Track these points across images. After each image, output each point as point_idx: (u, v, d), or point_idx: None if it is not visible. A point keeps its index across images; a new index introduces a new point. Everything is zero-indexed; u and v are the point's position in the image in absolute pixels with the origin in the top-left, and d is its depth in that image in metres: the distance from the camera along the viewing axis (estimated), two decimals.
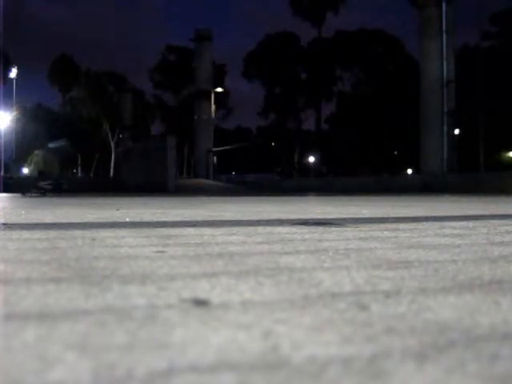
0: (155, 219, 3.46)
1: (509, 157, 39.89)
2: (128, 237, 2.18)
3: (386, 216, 3.79)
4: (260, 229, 2.63)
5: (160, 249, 1.77)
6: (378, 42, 47.10)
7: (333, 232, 2.46)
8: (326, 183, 25.60)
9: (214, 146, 34.78)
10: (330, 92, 50.24)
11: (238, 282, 1.17)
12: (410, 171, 40.31)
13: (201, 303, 0.96)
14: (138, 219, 3.42)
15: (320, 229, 2.61)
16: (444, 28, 21.60)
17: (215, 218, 3.67)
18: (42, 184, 15.94)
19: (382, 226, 2.82)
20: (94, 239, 2.07)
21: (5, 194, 12.65)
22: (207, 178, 30.97)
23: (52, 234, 2.31)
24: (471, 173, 21.18)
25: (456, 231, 2.52)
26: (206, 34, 34.56)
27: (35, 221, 3.17)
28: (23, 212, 4.42)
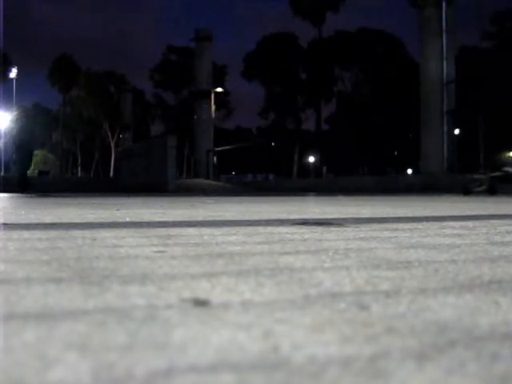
0: (155, 219, 3.46)
1: (509, 157, 39.85)
2: (128, 237, 2.18)
3: (385, 216, 3.79)
4: (260, 229, 2.63)
5: (160, 249, 1.77)
6: (378, 42, 47.09)
7: (333, 232, 2.46)
8: (325, 183, 25.61)
9: (214, 146, 34.78)
10: (329, 92, 50.23)
11: (237, 281, 1.17)
12: (410, 171, 40.31)
13: (201, 303, 0.96)
14: (138, 219, 3.42)
15: (320, 229, 2.61)
16: (444, 28, 21.60)
17: (215, 217, 3.67)
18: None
19: (382, 225, 2.81)
20: (94, 239, 2.07)
21: (6, 194, 12.66)
22: (207, 178, 30.95)
23: (52, 233, 2.31)
24: (471, 173, 21.15)
25: (456, 231, 2.52)
26: (206, 34, 34.56)
27: (35, 221, 3.17)
28: (23, 212, 4.42)
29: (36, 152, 58.38)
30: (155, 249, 1.77)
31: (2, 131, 43.26)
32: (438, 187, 17.22)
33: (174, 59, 55.57)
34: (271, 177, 48.52)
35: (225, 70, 53.94)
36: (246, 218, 3.68)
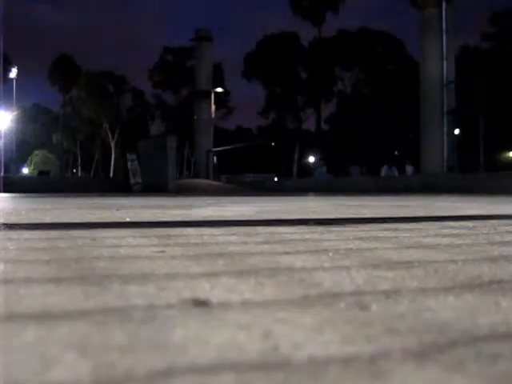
0: (155, 219, 3.46)
1: (509, 157, 39.90)
2: (128, 237, 2.18)
3: (385, 216, 3.79)
4: (260, 229, 2.63)
5: (160, 249, 1.77)
6: (378, 42, 47.08)
7: (333, 232, 2.46)
8: (325, 183, 25.58)
9: (214, 146, 34.76)
10: (330, 92, 50.21)
11: (238, 281, 1.17)
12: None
13: (201, 303, 0.96)
14: (138, 219, 3.42)
15: (320, 229, 2.61)
16: (444, 28, 21.59)
17: (215, 217, 3.67)
18: None
19: (382, 225, 2.81)
20: (94, 239, 2.07)
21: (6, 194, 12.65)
22: (207, 177, 30.94)
23: (52, 233, 2.31)
24: (471, 173, 21.17)
25: (456, 231, 2.52)
26: (206, 34, 34.53)
27: (35, 221, 3.17)
28: (23, 212, 4.42)
29: (36, 152, 58.33)
30: (155, 249, 1.77)
31: (2, 131, 43.25)
32: (437, 187, 17.22)
33: (170, 60, 55.59)
34: (271, 177, 48.51)
35: (221, 68, 53.90)
36: (246, 218, 3.68)
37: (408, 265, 1.45)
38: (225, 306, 0.94)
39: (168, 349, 0.69)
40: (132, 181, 20.15)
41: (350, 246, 1.87)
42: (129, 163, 20.60)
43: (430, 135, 21.87)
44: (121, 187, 19.70)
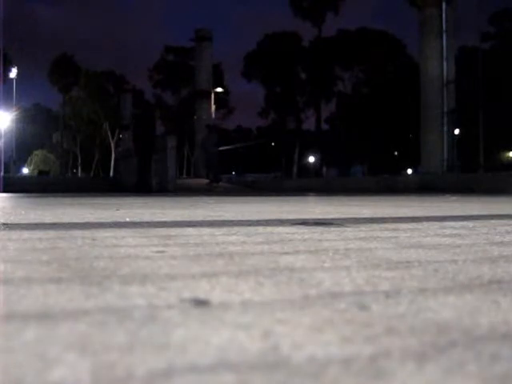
0: (155, 219, 3.46)
1: (509, 157, 39.94)
2: (128, 237, 2.18)
3: (385, 216, 3.79)
4: (260, 229, 2.63)
5: (160, 249, 1.77)
6: (378, 42, 47.08)
7: (333, 232, 2.46)
8: (325, 183, 25.59)
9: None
10: (330, 92, 50.22)
11: (238, 281, 1.17)
12: (410, 171, 40.30)
13: (201, 303, 0.96)
14: (138, 219, 3.42)
15: (320, 229, 2.61)
16: (444, 28, 21.59)
17: (215, 217, 3.67)
18: None
19: (382, 225, 2.81)
20: (94, 239, 2.07)
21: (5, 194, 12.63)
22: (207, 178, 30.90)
23: (52, 233, 2.31)
24: (471, 173, 21.17)
25: (456, 231, 2.52)
26: (206, 34, 34.50)
27: (35, 221, 3.17)
28: (23, 212, 4.42)
29: (36, 152, 58.31)
30: (155, 249, 1.77)
31: (2, 131, 43.26)
32: (437, 187, 17.22)
33: (171, 59, 55.59)
34: (272, 177, 48.51)
35: (224, 70, 53.91)
36: (246, 218, 3.68)
37: (408, 265, 1.45)
38: (225, 306, 0.94)
39: (168, 349, 0.69)
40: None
41: (350, 246, 1.87)
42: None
43: (429, 135, 21.87)
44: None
